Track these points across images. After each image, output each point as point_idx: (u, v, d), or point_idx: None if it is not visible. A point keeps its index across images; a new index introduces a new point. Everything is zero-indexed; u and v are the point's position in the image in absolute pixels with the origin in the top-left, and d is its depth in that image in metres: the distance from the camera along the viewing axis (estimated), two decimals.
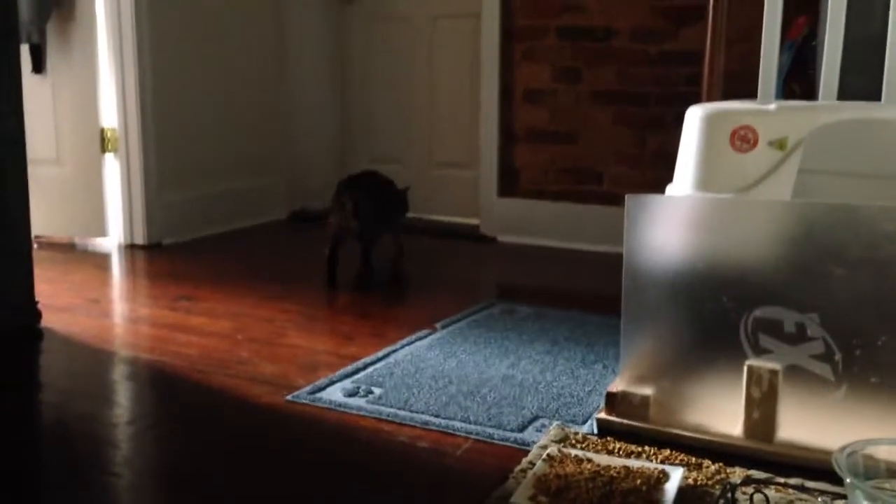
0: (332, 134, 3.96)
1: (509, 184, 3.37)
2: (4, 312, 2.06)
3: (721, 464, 1.34)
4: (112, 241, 3.16)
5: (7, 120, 2.05)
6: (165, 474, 1.43)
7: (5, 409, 1.69)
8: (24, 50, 2.90)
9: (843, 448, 1.12)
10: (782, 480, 1.25)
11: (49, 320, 2.16)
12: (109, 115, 3.11)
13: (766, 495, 1.19)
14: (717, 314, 1.43)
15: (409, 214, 2.96)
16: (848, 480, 1.08)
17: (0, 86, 2.04)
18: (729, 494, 1.15)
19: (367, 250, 2.69)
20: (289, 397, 1.69)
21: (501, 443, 1.49)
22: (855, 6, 1.85)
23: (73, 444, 1.54)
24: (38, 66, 3.07)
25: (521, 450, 1.45)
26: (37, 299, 2.14)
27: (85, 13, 3.04)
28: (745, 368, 1.39)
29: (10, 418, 1.65)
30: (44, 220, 2.97)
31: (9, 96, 2.06)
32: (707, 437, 1.42)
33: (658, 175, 2.79)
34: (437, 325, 2.16)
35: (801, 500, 1.22)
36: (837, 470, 1.09)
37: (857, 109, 1.68)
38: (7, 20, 2.05)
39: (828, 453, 1.17)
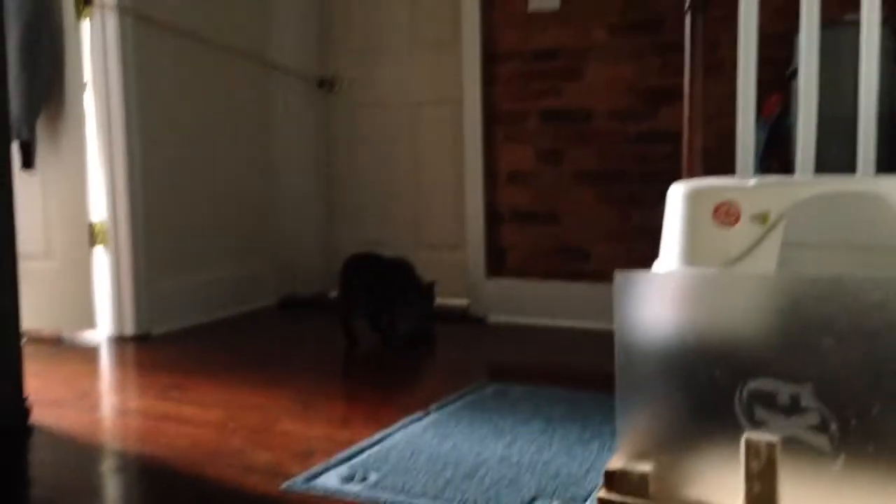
0: (319, 220, 4.00)
1: (497, 264, 3.40)
2: None
3: None
4: (101, 333, 3.14)
5: None
6: None
7: None
8: (14, 147, 2.95)
9: None
10: None
11: (38, 415, 2.13)
12: (98, 209, 3.14)
13: None
14: (711, 387, 1.43)
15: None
16: None
17: None
18: None
19: (374, 324, 2.99)
20: (283, 486, 1.67)
21: None
22: (826, 84, 1.92)
23: None
24: (28, 163, 3.10)
25: None
26: (25, 395, 2.12)
27: (74, 110, 3.10)
28: (743, 441, 1.39)
29: None
30: (32, 313, 2.96)
31: (0, 192, 2.08)
32: None
33: (643, 251, 2.84)
34: (431, 408, 2.15)
35: None
36: None
37: (834, 183, 1.73)
38: None
39: None
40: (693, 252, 1.68)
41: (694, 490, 1.45)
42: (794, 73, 2.41)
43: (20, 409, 2.10)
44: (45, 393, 2.34)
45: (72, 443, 2.00)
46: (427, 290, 3.19)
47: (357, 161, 3.94)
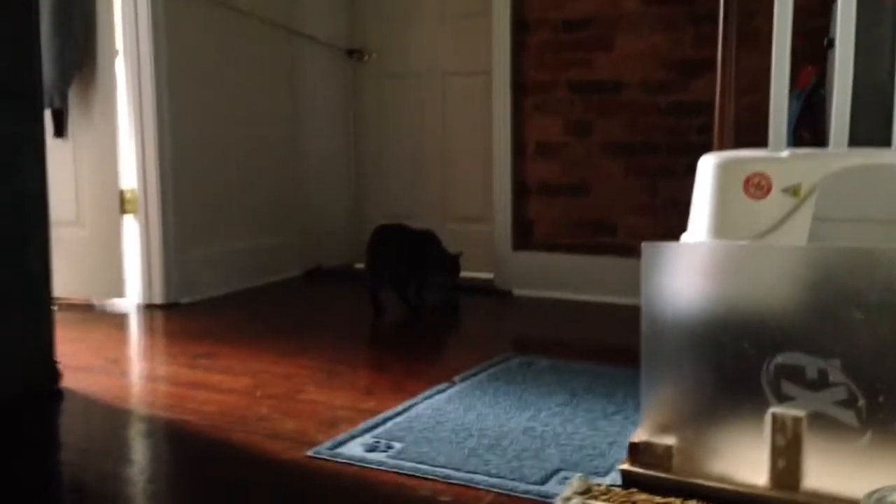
0: (347, 191, 4.01)
1: (524, 237, 3.39)
2: (26, 373, 2.08)
3: None
4: (130, 301, 3.18)
5: (31, 183, 2.10)
6: None
7: (26, 468, 1.69)
8: (47, 114, 2.97)
9: (871, 493, 1.11)
10: None
11: (69, 380, 2.17)
12: (129, 177, 3.16)
13: None
14: (738, 361, 1.42)
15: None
16: None
17: (24, 150, 2.08)
18: None
19: (401, 295, 2.99)
20: (309, 453, 1.69)
21: (524, 496, 1.48)
22: (862, 55, 1.88)
23: (92, 502, 1.53)
24: (60, 131, 3.13)
25: (544, 502, 1.44)
26: (57, 359, 2.16)
27: (106, 78, 3.11)
28: (769, 416, 1.38)
29: (31, 477, 1.65)
30: (63, 280, 3.00)
31: (33, 160, 2.11)
32: (732, 487, 1.40)
33: (672, 224, 2.80)
34: (456, 379, 2.16)
35: None
36: None
37: (868, 155, 1.70)
38: (31, 86, 2.11)
39: (855, 501, 1.16)
40: (722, 224, 1.65)
41: (718, 464, 1.45)
42: (831, 44, 2.36)
43: (51, 373, 2.14)
44: (75, 358, 2.38)
45: (101, 407, 2.03)
46: (453, 262, 3.19)
47: (385, 132, 3.93)
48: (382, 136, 3.94)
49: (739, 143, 2.36)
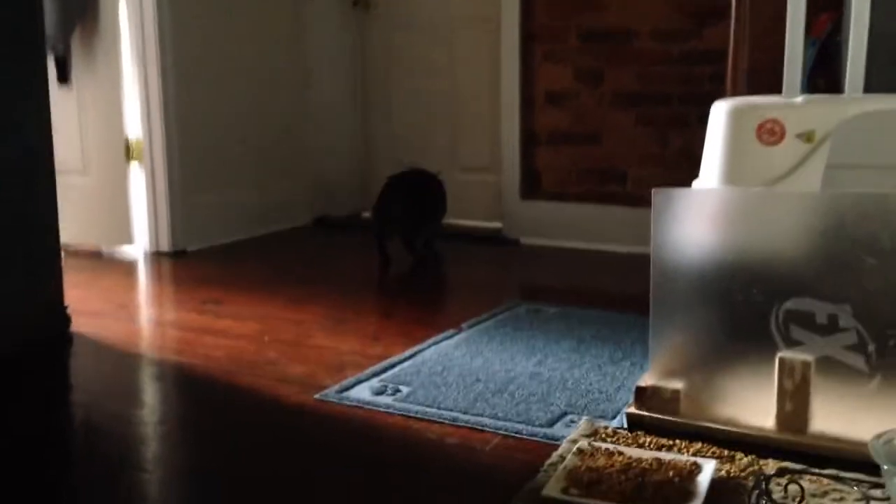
0: (355, 140, 3.98)
1: (532, 186, 3.37)
2: (36, 317, 2.09)
3: (754, 456, 1.33)
4: (138, 248, 3.19)
5: (34, 130, 2.08)
6: (195, 471, 1.44)
7: (38, 410, 1.71)
8: (50, 62, 2.94)
9: (879, 436, 1.11)
10: (817, 471, 1.24)
11: (78, 325, 2.18)
12: (134, 125, 3.14)
13: (800, 486, 1.18)
14: (748, 307, 1.42)
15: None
16: (885, 467, 1.06)
17: (27, 97, 2.07)
18: (763, 485, 1.14)
19: (409, 245, 2.96)
20: (317, 396, 1.70)
21: (531, 438, 1.49)
22: (879, 1, 1.84)
23: (103, 442, 1.55)
24: (64, 77, 3.11)
25: (551, 445, 1.45)
26: (66, 305, 2.17)
27: (109, 24, 3.08)
28: (777, 360, 1.38)
29: (43, 418, 1.67)
30: (71, 228, 2.99)
31: (36, 107, 2.09)
32: (739, 430, 1.40)
33: (682, 175, 2.78)
34: (463, 326, 2.16)
35: (836, 490, 1.21)
36: (875, 457, 1.08)
37: (884, 101, 1.67)
38: (34, 32, 2.08)
39: (862, 444, 1.16)
40: (734, 171, 1.63)
41: (724, 408, 1.45)
42: None
43: (61, 317, 2.15)
44: (84, 304, 2.39)
45: (111, 351, 2.05)
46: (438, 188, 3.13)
47: (392, 81, 3.89)
48: (390, 85, 3.90)
49: (753, 91, 2.32)
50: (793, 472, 1.21)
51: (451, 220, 3.45)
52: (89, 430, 1.64)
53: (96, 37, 3.10)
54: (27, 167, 2.07)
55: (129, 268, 2.99)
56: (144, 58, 3.09)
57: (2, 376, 1.86)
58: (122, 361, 1.99)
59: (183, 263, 3.03)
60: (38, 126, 2.09)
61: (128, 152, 3.15)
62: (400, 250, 2.96)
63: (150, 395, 1.82)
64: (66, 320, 2.16)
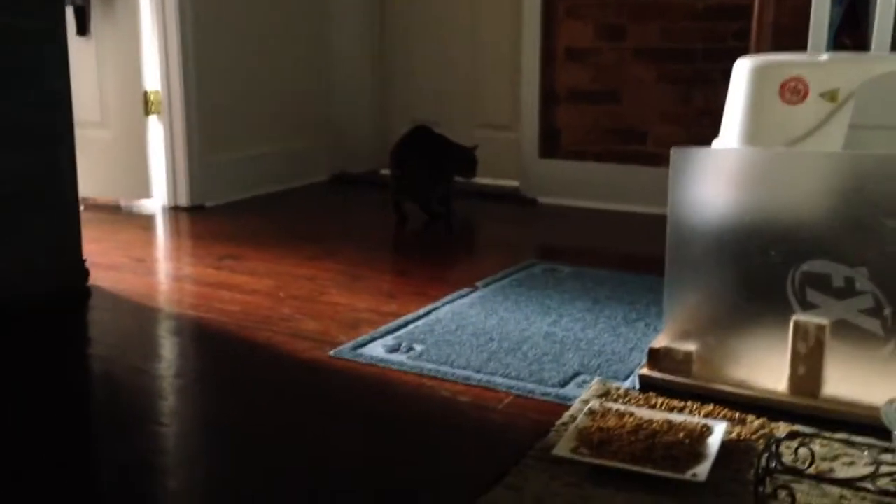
0: (373, 96, 3.95)
1: (550, 145, 3.34)
2: (54, 270, 2.11)
3: (765, 419, 1.33)
4: (156, 202, 3.20)
5: (55, 81, 2.08)
6: (211, 424, 1.46)
7: (57, 362, 1.73)
8: (69, 12, 2.93)
9: (891, 401, 1.10)
10: (828, 435, 1.23)
11: (96, 278, 2.20)
12: (152, 78, 3.13)
13: (811, 449, 1.18)
14: (764, 269, 1.40)
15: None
16: None
17: (47, 48, 2.06)
18: (773, 448, 1.13)
19: (424, 205, 2.94)
20: (331, 352, 1.71)
21: (543, 398, 1.49)
22: None
23: (121, 395, 1.57)
24: (83, 29, 3.10)
25: (563, 404, 1.45)
26: (84, 258, 2.18)
27: None
28: (792, 323, 1.37)
29: (62, 370, 1.69)
30: (90, 181, 3.01)
31: (56, 58, 2.08)
32: (751, 393, 1.40)
33: (704, 133, 2.74)
34: (478, 284, 2.16)
35: (847, 454, 1.20)
36: (886, 422, 1.07)
37: None
38: None
39: (874, 409, 1.15)
40: (756, 129, 1.61)
41: (737, 370, 1.45)
42: None
43: (79, 270, 2.17)
44: (102, 257, 2.41)
45: (129, 305, 2.07)
46: (470, 157, 3.08)
47: (412, 36, 3.84)
48: (409, 40, 3.85)
49: (778, 48, 2.28)
50: (804, 435, 1.21)
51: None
52: (107, 383, 1.66)
53: None
54: (47, 118, 2.07)
55: (147, 222, 3.01)
56: (164, 10, 3.07)
57: (21, 329, 1.89)
58: (140, 315, 2.01)
59: (201, 218, 3.04)
60: (59, 76, 2.08)
61: (146, 105, 3.14)
62: (417, 208, 2.96)
63: (168, 349, 1.84)
64: (85, 273, 2.18)
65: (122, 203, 3.22)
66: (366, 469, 1.28)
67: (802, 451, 1.17)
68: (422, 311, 1.96)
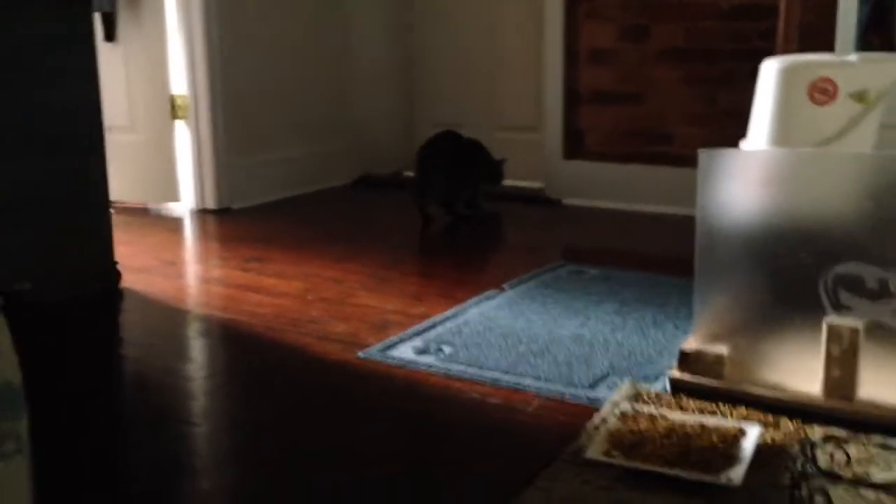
0: (396, 99, 3.97)
1: (574, 146, 3.33)
2: (87, 273, 2.14)
3: (799, 422, 1.32)
4: (184, 205, 3.23)
5: (84, 85, 2.11)
6: (241, 425, 1.47)
7: (89, 363, 1.76)
8: (97, 18, 2.97)
9: None
10: (864, 438, 1.23)
11: (128, 281, 2.23)
12: (179, 83, 3.16)
13: (846, 453, 1.17)
14: (796, 271, 1.40)
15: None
16: None
17: (76, 53, 2.09)
18: (809, 452, 1.13)
19: (448, 210, 2.97)
20: (360, 354, 1.72)
21: (573, 400, 1.49)
22: None
23: (152, 395, 1.59)
24: (110, 35, 3.13)
25: (592, 407, 1.45)
26: (116, 261, 2.21)
27: None
28: (825, 326, 1.36)
29: (94, 371, 1.72)
30: (119, 185, 3.04)
31: (85, 64, 2.11)
32: (784, 396, 1.39)
33: (729, 134, 2.72)
34: (505, 286, 2.17)
35: (883, 457, 1.20)
36: None
37: None
38: None
39: None
40: (784, 131, 1.60)
41: (769, 373, 1.44)
42: None
43: (112, 273, 2.19)
44: (133, 260, 2.43)
45: (159, 307, 2.09)
46: (497, 169, 3.11)
47: (434, 38, 3.85)
48: (432, 42, 3.86)
49: (804, 49, 2.26)
50: (839, 439, 1.20)
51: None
52: (139, 384, 1.68)
53: None
54: (77, 122, 2.10)
55: (175, 225, 3.04)
56: (189, 15, 3.10)
57: (55, 330, 1.92)
58: (171, 317, 2.03)
59: (228, 221, 3.07)
60: (88, 81, 2.12)
61: (173, 110, 3.17)
62: (442, 210, 2.97)
63: (198, 351, 1.86)
64: (117, 276, 2.21)
65: (151, 206, 3.26)
66: (395, 470, 1.28)
67: (838, 454, 1.17)
68: (449, 312, 1.96)
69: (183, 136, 3.19)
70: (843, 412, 1.33)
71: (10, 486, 0.77)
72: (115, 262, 2.20)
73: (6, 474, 0.77)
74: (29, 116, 2.00)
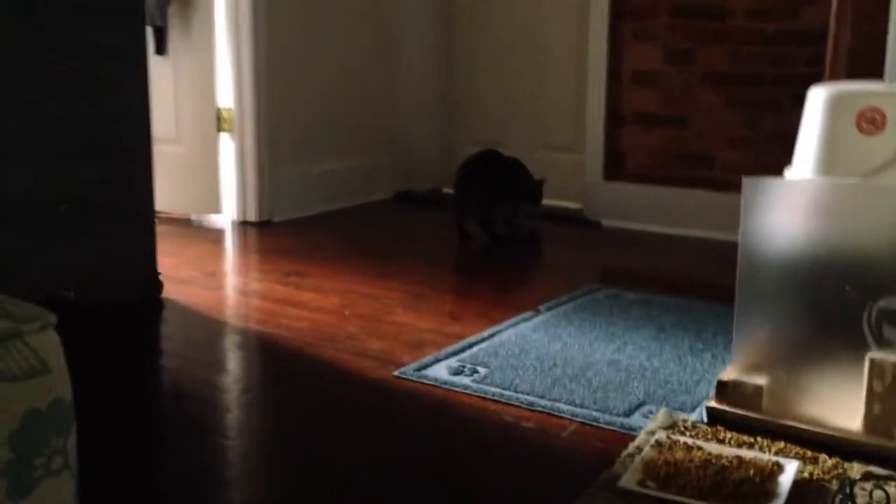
0: (438, 116, 3.99)
1: (616, 168, 3.32)
2: (131, 282, 2.18)
3: (838, 458, 1.30)
4: (226, 217, 3.27)
5: (135, 96, 2.16)
6: (276, 439, 1.48)
7: (129, 372, 1.79)
8: (149, 32, 3.03)
9: None
10: None
11: (170, 291, 2.26)
12: (225, 96, 3.22)
13: (886, 492, 1.15)
14: (839, 303, 1.37)
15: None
16: None
17: (128, 65, 2.14)
18: (848, 490, 1.11)
19: (486, 229, 2.97)
20: (396, 373, 1.73)
21: (608, 427, 1.48)
22: None
23: (189, 406, 1.61)
24: (161, 48, 3.20)
25: (628, 434, 1.44)
26: (159, 271, 2.25)
27: None
28: (867, 361, 1.34)
29: (133, 380, 1.74)
30: (163, 196, 3.09)
31: (136, 75, 2.16)
32: (824, 431, 1.37)
33: (772, 160, 2.70)
34: (542, 308, 2.16)
35: None
36: None
37: None
38: (135, 3, 2.15)
39: None
40: (831, 160, 1.58)
41: (809, 407, 1.42)
42: None
43: (155, 283, 2.23)
44: (175, 271, 2.47)
45: (199, 318, 2.12)
46: (537, 189, 3.11)
47: (478, 57, 3.87)
48: (475, 60, 3.88)
49: (852, 75, 2.23)
50: (879, 477, 1.18)
51: None
52: (177, 395, 1.71)
53: (192, 9, 3.17)
54: (127, 132, 2.15)
55: (217, 236, 3.08)
56: (237, 30, 3.15)
57: (99, 337, 1.95)
58: (210, 328, 2.06)
59: (268, 233, 3.10)
60: (138, 92, 2.16)
61: (219, 123, 3.23)
62: (480, 229, 2.97)
63: (235, 363, 1.88)
64: (160, 286, 2.24)
65: (193, 217, 3.31)
66: (427, 488, 1.28)
67: (878, 493, 1.15)
68: (485, 333, 1.96)
69: (227, 149, 3.24)
70: (884, 449, 1.31)
71: (56, 503, 0.79)
72: (158, 272, 2.24)
73: (53, 491, 0.79)
74: (81, 124, 2.05)
